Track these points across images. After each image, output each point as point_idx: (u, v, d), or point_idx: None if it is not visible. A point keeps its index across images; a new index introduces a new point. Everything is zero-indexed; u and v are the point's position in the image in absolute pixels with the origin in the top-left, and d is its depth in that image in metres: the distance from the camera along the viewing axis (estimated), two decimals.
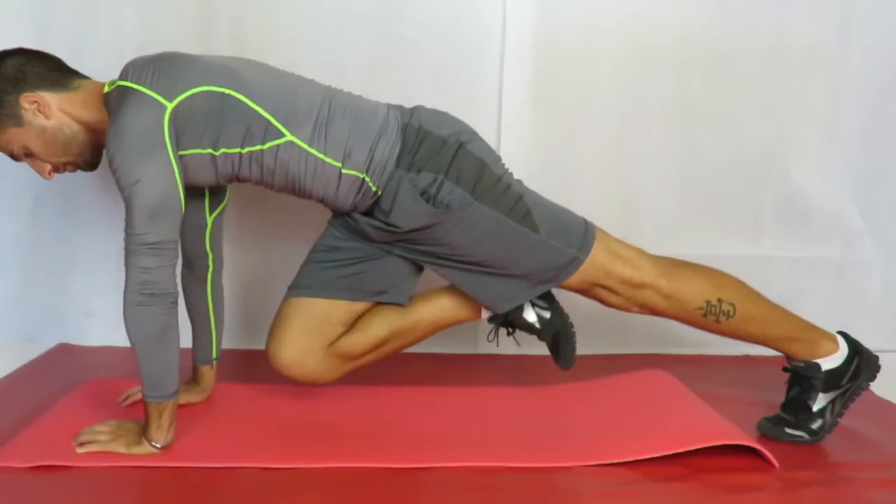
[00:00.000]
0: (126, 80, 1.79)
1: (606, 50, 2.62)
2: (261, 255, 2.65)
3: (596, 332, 2.44)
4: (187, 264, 2.12)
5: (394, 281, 2.02)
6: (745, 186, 2.72)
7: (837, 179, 2.74)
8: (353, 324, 2.02)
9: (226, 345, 2.22)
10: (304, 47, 2.50)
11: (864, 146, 2.73)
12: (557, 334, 2.07)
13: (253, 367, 2.43)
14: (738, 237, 2.71)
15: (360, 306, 2.03)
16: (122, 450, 1.79)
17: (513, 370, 2.48)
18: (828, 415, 1.96)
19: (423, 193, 1.84)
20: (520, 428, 2.03)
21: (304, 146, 1.84)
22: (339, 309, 2.00)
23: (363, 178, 1.87)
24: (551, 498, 1.69)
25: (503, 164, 1.97)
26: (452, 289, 2.05)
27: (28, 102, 1.81)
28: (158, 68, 1.79)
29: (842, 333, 2.00)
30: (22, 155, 1.87)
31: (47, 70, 1.84)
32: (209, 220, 2.09)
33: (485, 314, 2.07)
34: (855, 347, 1.98)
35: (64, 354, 2.59)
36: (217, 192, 2.09)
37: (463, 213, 1.87)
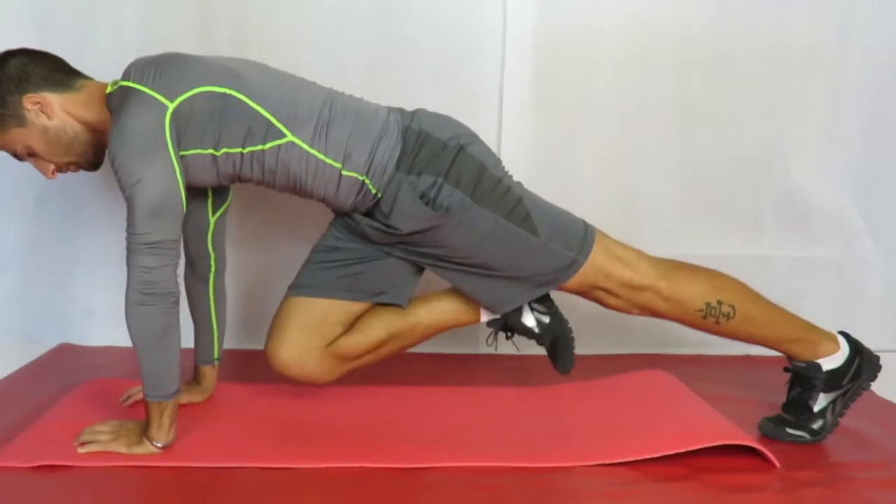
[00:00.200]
0: (128, 81, 1.79)
1: (607, 50, 2.63)
2: (262, 255, 2.66)
3: (597, 332, 2.44)
4: (190, 264, 2.12)
5: (393, 282, 2.02)
6: (745, 186, 2.72)
7: (837, 179, 2.74)
8: (352, 325, 2.02)
9: (227, 345, 2.21)
10: (304, 47, 2.50)
11: (863, 146, 2.73)
12: (556, 339, 2.07)
13: (254, 367, 2.43)
14: (738, 237, 2.71)
15: (359, 307, 2.02)
16: (124, 449, 1.79)
17: (513, 370, 2.48)
18: (829, 415, 1.96)
19: (422, 196, 1.84)
20: (520, 428, 2.03)
21: (305, 147, 1.84)
22: (338, 309, 2.00)
23: (363, 180, 1.87)
24: (552, 498, 1.69)
25: (503, 167, 1.97)
26: (452, 292, 2.05)
27: (31, 103, 1.80)
28: (160, 69, 1.79)
29: (843, 333, 2.00)
30: (25, 155, 1.87)
31: (49, 70, 1.84)
32: (212, 220, 2.09)
33: (484, 318, 2.07)
34: (856, 347, 1.98)
35: (65, 354, 2.59)
36: (220, 193, 2.09)
37: (462, 215, 1.86)
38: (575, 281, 1.95)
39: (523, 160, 2.42)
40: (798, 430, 1.96)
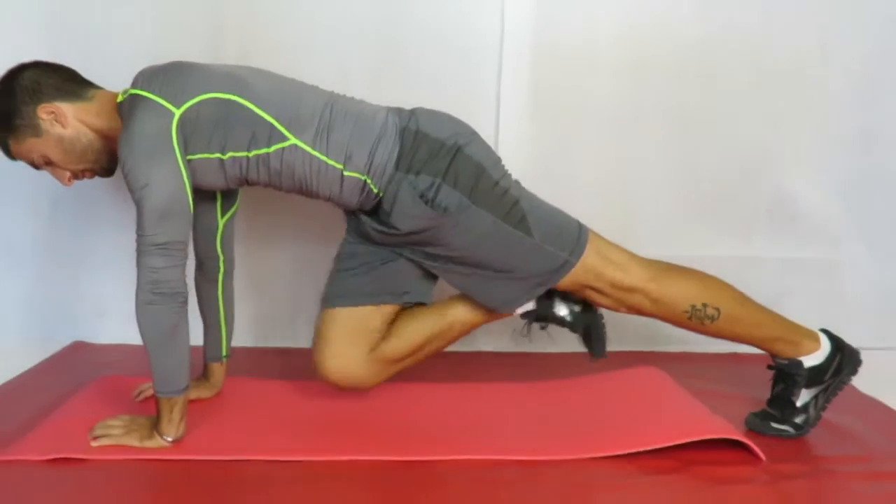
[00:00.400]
0: (137, 89, 1.81)
1: (603, 59, 2.63)
2: (269, 256, 2.66)
3: None
4: (199, 266, 2.13)
5: (413, 281, 2.03)
6: (737, 191, 2.73)
7: (826, 184, 2.74)
8: (390, 327, 2.03)
9: (235, 343, 2.22)
10: (308, 56, 2.50)
11: (851, 151, 2.73)
12: (589, 327, 2.07)
13: (261, 363, 2.46)
14: (730, 239, 2.70)
15: (390, 309, 2.03)
16: (135, 443, 1.81)
17: (512, 367, 2.49)
18: (811, 409, 1.97)
19: (422, 196, 1.85)
20: (518, 422, 2.04)
21: (308, 149, 1.84)
22: (372, 315, 2.01)
23: (365, 180, 1.88)
24: (547, 489, 1.70)
25: (502, 166, 1.97)
26: None
27: (45, 113, 1.82)
28: (167, 77, 1.81)
29: (824, 331, 2.01)
30: (42, 163, 1.89)
31: (62, 81, 1.86)
32: (220, 223, 2.10)
33: (519, 310, 2.06)
34: (837, 344, 1.99)
35: (78, 352, 2.60)
36: (228, 197, 2.10)
37: (460, 216, 1.87)
38: (567, 280, 1.95)
39: (520, 165, 2.40)
40: (782, 425, 1.97)
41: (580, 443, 1.88)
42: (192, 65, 1.87)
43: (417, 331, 2.03)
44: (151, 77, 1.82)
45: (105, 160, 1.91)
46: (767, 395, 2.02)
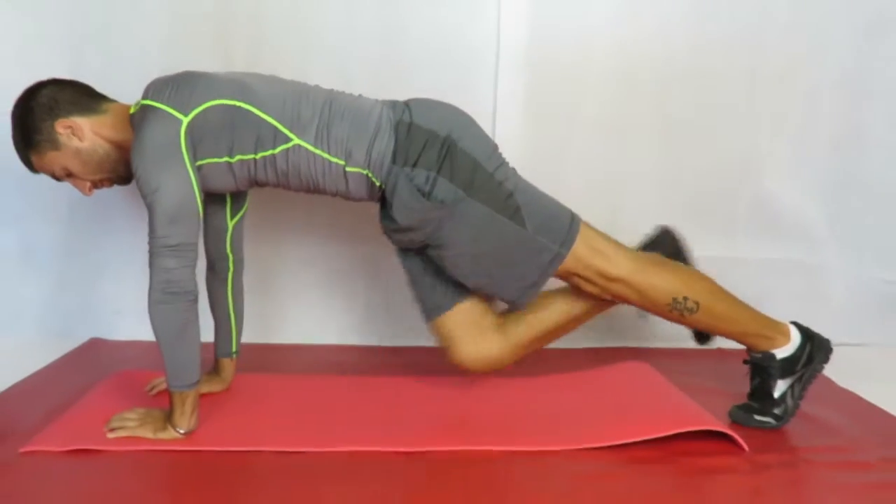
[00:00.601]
0: (147, 100, 1.82)
1: (595, 68, 2.64)
2: (277, 256, 2.67)
3: (585, 327, 2.45)
4: (210, 266, 2.14)
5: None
6: (721, 194, 2.74)
7: (806, 187, 2.75)
8: (519, 314, 2.06)
9: (244, 339, 2.23)
10: (312, 64, 2.52)
11: (831, 156, 2.74)
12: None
13: (269, 359, 2.46)
14: (714, 240, 2.68)
15: (477, 296, 2.05)
16: (150, 435, 1.82)
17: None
18: (789, 399, 1.98)
19: (419, 189, 1.84)
20: (512, 415, 2.04)
21: (310, 148, 1.85)
22: (473, 308, 2.04)
23: (367, 174, 1.88)
24: (539, 478, 1.71)
25: (499, 154, 1.95)
26: None
27: (63, 127, 1.84)
28: (175, 86, 1.82)
29: (794, 323, 2.01)
30: (63, 175, 1.90)
31: (78, 96, 1.87)
32: (230, 225, 2.11)
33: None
34: (807, 334, 2.00)
35: (95, 348, 2.61)
36: (237, 199, 2.11)
37: (455, 208, 1.86)
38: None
39: (516, 167, 2.44)
40: (764, 417, 1.98)
41: (570, 434, 1.88)
42: (200, 74, 1.88)
43: (542, 321, 2.06)
44: (161, 87, 1.83)
45: (121, 169, 1.92)
46: (748, 389, 2.03)
